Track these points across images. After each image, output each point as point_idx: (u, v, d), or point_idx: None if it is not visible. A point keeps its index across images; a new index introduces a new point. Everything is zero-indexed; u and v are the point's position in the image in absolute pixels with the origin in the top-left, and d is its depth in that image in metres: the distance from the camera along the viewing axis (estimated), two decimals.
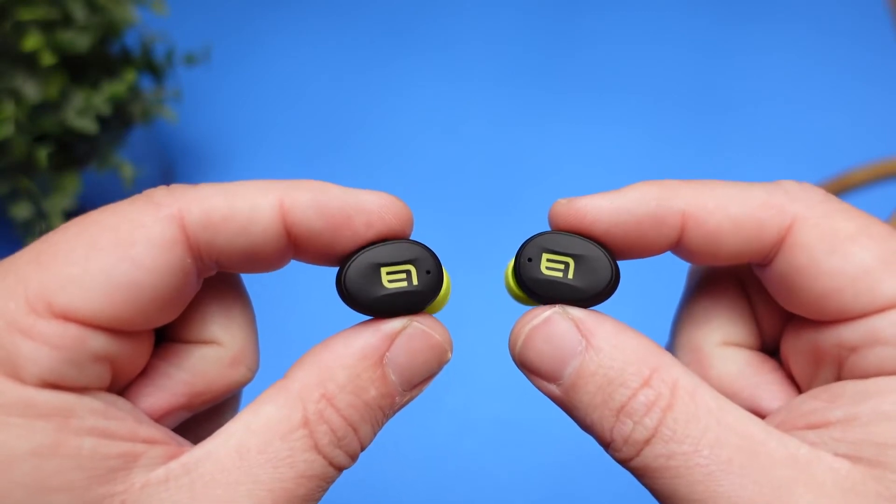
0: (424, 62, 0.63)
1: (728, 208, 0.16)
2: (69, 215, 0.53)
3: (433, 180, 0.56)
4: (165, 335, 0.18)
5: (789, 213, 0.15)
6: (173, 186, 0.16)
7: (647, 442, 0.14)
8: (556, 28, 0.65)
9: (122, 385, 0.16)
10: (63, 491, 0.13)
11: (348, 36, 0.64)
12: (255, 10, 0.66)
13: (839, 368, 0.15)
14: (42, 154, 0.42)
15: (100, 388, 0.15)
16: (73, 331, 0.14)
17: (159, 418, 0.17)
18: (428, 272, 0.16)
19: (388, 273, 0.16)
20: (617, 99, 0.60)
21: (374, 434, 0.16)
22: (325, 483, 0.15)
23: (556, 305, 0.16)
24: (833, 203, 0.16)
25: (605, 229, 0.16)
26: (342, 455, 0.15)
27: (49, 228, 0.44)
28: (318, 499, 0.15)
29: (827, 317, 0.15)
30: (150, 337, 0.17)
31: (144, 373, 0.17)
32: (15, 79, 0.41)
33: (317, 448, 0.15)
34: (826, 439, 0.14)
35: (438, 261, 0.17)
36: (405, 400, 0.17)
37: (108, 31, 0.44)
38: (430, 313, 0.17)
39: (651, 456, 0.14)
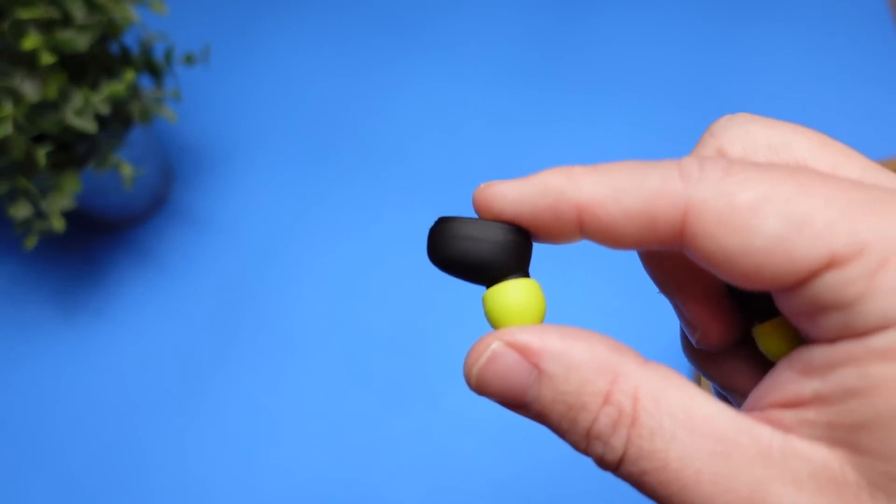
0: (424, 62, 0.62)
1: (621, 201, 0.15)
2: (68, 215, 0.53)
3: (433, 180, 0.56)
4: None
5: (681, 200, 0.14)
6: None
7: (620, 461, 0.14)
8: (556, 28, 0.65)
9: None
10: None
11: (348, 36, 0.64)
12: (254, 10, 0.66)
13: (808, 333, 0.14)
14: (41, 154, 0.41)
15: None
16: None
17: None
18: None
19: None
20: (617, 99, 0.60)
21: None
22: None
23: (495, 335, 0.16)
24: (735, 175, 0.14)
25: (511, 217, 0.16)
26: None
27: (48, 229, 0.44)
28: None
29: (767, 289, 0.14)
30: None
31: None
32: (14, 78, 0.41)
33: None
34: (802, 422, 0.13)
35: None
36: None
37: (108, 31, 0.44)
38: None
39: (626, 473, 0.14)
